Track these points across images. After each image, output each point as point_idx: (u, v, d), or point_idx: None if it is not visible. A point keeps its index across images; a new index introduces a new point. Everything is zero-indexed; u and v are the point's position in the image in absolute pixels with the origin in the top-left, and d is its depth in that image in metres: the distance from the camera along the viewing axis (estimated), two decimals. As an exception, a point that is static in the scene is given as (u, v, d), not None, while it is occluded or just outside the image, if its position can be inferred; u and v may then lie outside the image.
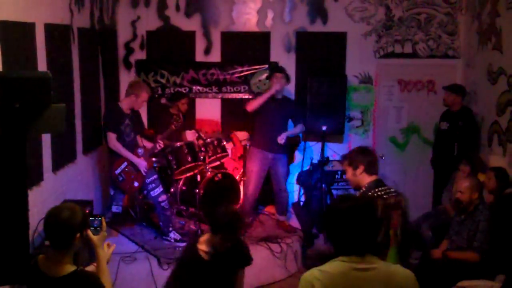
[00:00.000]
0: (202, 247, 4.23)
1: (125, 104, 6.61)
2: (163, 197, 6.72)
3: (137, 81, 7.64)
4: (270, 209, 7.93)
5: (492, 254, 5.10)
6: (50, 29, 5.45)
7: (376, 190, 4.40)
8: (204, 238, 4.33)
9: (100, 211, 6.98)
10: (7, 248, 2.89)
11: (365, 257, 2.73)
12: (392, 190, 4.41)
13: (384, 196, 4.28)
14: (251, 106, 7.01)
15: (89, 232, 3.34)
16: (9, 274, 2.90)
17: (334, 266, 2.75)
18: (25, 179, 2.95)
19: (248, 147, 7.71)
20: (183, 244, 6.63)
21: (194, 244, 4.30)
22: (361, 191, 4.48)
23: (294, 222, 7.55)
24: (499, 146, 6.41)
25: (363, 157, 4.59)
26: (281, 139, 6.96)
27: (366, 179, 4.50)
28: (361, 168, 4.49)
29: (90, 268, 3.44)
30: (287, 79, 7.19)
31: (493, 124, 6.60)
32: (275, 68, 7.39)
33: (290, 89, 8.21)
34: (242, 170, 7.94)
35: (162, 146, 6.77)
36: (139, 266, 6.06)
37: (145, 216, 7.29)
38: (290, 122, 7.33)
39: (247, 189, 7.20)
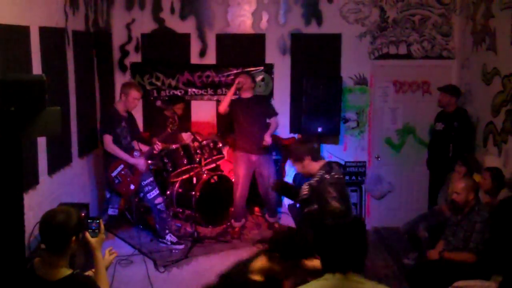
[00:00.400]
0: None
1: (120, 106, 6.62)
2: (159, 199, 6.72)
3: (127, 81, 7.65)
4: (257, 209, 7.94)
5: (488, 255, 5.11)
6: (44, 32, 5.43)
7: (333, 174, 4.67)
8: None
9: (96, 214, 6.97)
10: (3, 252, 2.88)
11: (348, 275, 2.73)
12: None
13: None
14: (221, 107, 7.20)
15: (87, 235, 3.33)
16: (5, 279, 2.89)
17: (318, 285, 2.77)
18: (20, 183, 2.94)
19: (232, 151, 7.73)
20: (180, 246, 6.63)
21: None
22: (317, 177, 4.66)
23: (285, 221, 7.52)
24: (494, 146, 6.44)
25: (305, 147, 4.80)
26: (267, 142, 7.00)
27: (315, 166, 4.74)
28: (307, 158, 4.66)
29: (89, 273, 3.42)
30: (253, 80, 7.40)
31: (488, 124, 6.62)
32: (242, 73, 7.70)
33: (285, 91, 8.22)
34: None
35: (160, 147, 6.74)
36: (136, 269, 6.05)
37: (141, 219, 7.28)
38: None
39: (236, 193, 7.17)
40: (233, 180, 7.51)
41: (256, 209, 7.93)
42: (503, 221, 4.95)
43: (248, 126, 7.07)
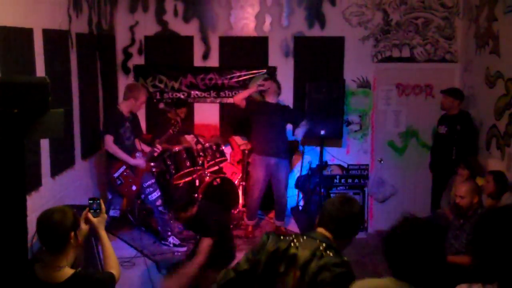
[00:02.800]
0: None
1: (124, 107, 6.62)
2: (160, 201, 6.72)
3: (134, 84, 7.66)
4: (269, 213, 7.95)
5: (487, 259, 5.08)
6: (48, 34, 5.45)
7: None
8: None
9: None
10: (6, 254, 2.89)
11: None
12: None
13: None
14: (238, 98, 7.24)
15: (89, 215, 3.34)
16: (8, 281, 2.90)
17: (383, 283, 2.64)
18: (23, 185, 2.95)
19: (246, 152, 7.75)
20: (182, 248, 6.64)
21: None
22: None
23: (292, 227, 7.54)
24: (498, 149, 6.42)
25: None
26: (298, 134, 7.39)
27: None
28: None
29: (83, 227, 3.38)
30: (278, 87, 7.39)
31: (491, 127, 6.61)
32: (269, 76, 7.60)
33: (289, 94, 8.22)
34: (240, 175, 7.94)
35: (160, 150, 6.78)
36: (138, 271, 6.06)
37: (144, 221, 7.29)
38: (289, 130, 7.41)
39: (253, 195, 7.21)
40: (236, 182, 7.53)
41: (270, 215, 7.95)
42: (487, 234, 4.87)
43: (270, 130, 7.12)
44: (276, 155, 7.11)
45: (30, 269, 3.13)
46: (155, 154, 6.82)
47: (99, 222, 3.40)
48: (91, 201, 3.39)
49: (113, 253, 3.42)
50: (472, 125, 7.09)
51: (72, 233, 3.13)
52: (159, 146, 6.72)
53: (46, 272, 3.10)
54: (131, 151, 6.61)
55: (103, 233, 3.42)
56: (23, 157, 2.89)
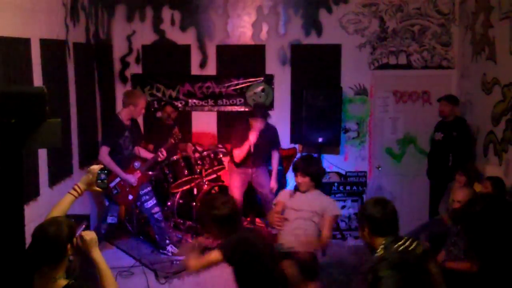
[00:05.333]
0: None
1: (124, 115, 6.59)
2: (156, 209, 6.70)
3: (132, 90, 7.68)
4: (259, 220, 7.93)
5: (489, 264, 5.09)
6: (45, 44, 5.46)
7: None
8: None
9: (95, 223, 6.96)
10: (3, 263, 2.88)
11: None
12: None
13: None
14: (239, 157, 6.98)
15: (80, 237, 3.25)
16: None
17: None
18: (21, 195, 2.94)
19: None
20: (181, 257, 6.62)
21: None
22: None
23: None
24: (495, 155, 6.43)
25: None
26: (274, 188, 7.13)
27: None
28: None
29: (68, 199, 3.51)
30: (266, 117, 7.07)
31: (489, 134, 6.62)
32: (255, 112, 7.01)
33: (286, 102, 8.24)
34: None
35: (165, 155, 6.70)
36: (136, 281, 6.04)
37: (142, 230, 7.28)
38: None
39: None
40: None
41: (258, 220, 7.92)
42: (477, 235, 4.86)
43: (254, 148, 7.04)
44: (252, 166, 7.06)
45: (30, 278, 3.12)
46: (159, 159, 6.76)
47: (91, 243, 3.27)
48: (99, 172, 3.49)
49: (109, 273, 3.32)
50: (468, 131, 7.11)
51: (69, 245, 3.12)
52: (164, 151, 6.66)
53: (43, 283, 3.09)
54: (130, 161, 6.59)
55: (96, 255, 3.30)
56: (21, 167, 2.88)
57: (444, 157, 7.18)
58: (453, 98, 7.34)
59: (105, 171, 3.51)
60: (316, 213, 5.18)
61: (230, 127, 7.69)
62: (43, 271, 3.11)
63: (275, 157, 7.29)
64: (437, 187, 7.32)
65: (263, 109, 7.16)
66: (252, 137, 6.81)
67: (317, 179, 5.42)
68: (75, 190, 3.55)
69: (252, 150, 6.87)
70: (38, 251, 3.09)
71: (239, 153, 6.94)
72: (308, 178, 5.31)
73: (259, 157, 7.03)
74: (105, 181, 3.50)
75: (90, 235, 3.27)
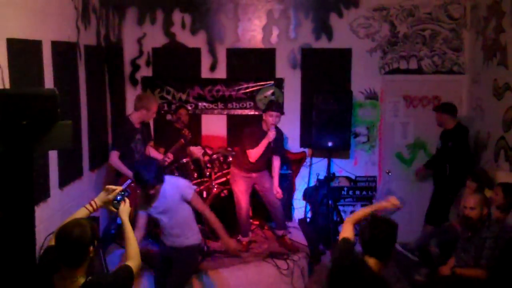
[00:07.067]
0: None
1: (135, 118, 6.60)
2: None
3: (144, 94, 7.69)
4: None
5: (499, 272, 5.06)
6: (57, 46, 5.48)
7: None
8: None
9: (105, 225, 6.96)
10: (14, 264, 2.89)
11: None
12: None
13: None
14: (256, 156, 6.83)
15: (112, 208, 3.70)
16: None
17: None
18: (32, 196, 2.96)
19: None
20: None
21: None
22: None
23: (300, 238, 7.49)
24: (506, 161, 6.40)
25: None
26: (280, 195, 7.05)
27: None
28: None
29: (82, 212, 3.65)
30: (282, 112, 7.03)
31: (500, 139, 6.59)
32: (272, 106, 6.88)
33: (296, 106, 8.23)
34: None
35: (171, 159, 6.72)
36: (144, 283, 6.04)
37: (152, 232, 7.27)
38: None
39: (240, 209, 7.10)
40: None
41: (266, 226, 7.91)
42: None
43: (263, 153, 7.01)
44: (256, 171, 7.02)
45: (48, 279, 3.13)
46: (166, 163, 6.79)
47: (123, 210, 3.68)
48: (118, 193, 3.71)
49: (134, 241, 3.57)
50: (465, 141, 7.10)
51: (91, 247, 3.14)
52: (170, 155, 6.68)
53: (63, 284, 3.10)
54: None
55: (126, 220, 3.65)
56: (31, 169, 2.90)
57: (442, 167, 7.21)
58: (446, 106, 7.35)
59: (122, 193, 3.57)
60: None
61: (241, 128, 7.69)
62: (63, 272, 3.12)
63: (277, 162, 7.18)
64: (436, 195, 7.36)
65: (279, 105, 7.16)
66: (272, 133, 6.69)
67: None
68: (91, 205, 3.68)
69: (272, 145, 6.84)
70: (61, 252, 3.11)
71: (257, 151, 6.79)
72: None
73: (264, 160, 7.00)
74: (120, 202, 3.66)
75: (126, 205, 3.74)
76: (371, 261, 3.66)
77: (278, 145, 7.11)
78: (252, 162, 6.86)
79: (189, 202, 5.50)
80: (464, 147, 7.12)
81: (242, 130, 7.02)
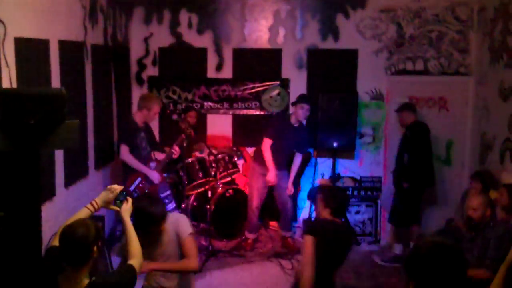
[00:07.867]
0: None
1: (138, 117, 6.65)
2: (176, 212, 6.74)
3: (148, 94, 7.71)
4: (275, 224, 7.94)
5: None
6: (64, 45, 5.51)
7: None
8: None
9: (112, 225, 6.99)
10: (20, 263, 2.91)
11: None
12: None
13: None
14: (266, 148, 7.08)
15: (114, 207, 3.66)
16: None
17: None
18: (38, 195, 2.97)
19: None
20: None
21: None
22: None
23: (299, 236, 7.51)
24: (511, 163, 6.39)
25: None
26: (290, 191, 7.19)
27: None
28: None
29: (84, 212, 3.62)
30: (311, 104, 7.25)
31: (505, 141, 6.57)
32: (304, 98, 7.23)
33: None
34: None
35: (178, 152, 6.72)
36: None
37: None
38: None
39: (252, 205, 7.17)
40: (247, 192, 7.51)
41: (272, 223, 7.93)
42: None
43: (284, 147, 7.07)
44: (277, 168, 7.07)
45: (54, 280, 3.15)
46: (174, 156, 6.77)
47: (125, 210, 3.64)
48: (119, 192, 3.68)
49: (136, 241, 3.53)
50: (424, 134, 7.33)
51: (95, 247, 3.16)
52: (176, 148, 6.68)
53: (68, 285, 3.12)
54: (146, 161, 6.63)
55: (127, 220, 3.62)
56: (38, 168, 2.91)
57: (400, 157, 7.39)
58: (404, 104, 7.61)
59: (124, 193, 3.62)
60: None
61: (246, 128, 7.74)
62: (67, 273, 3.14)
63: (299, 159, 7.28)
64: (398, 192, 7.46)
65: (310, 98, 7.27)
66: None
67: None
68: (92, 205, 3.66)
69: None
70: (65, 252, 3.12)
71: (267, 142, 7.10)
72: None
73: (285, 156, 7.03)
74: (123, 201, 3.64)
75: (128, 204, 3.69)
76: None
77: (302, 142, 7.16)
78: (262, 149, 6.96)
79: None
80: (422, 139, 7.29)
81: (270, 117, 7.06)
